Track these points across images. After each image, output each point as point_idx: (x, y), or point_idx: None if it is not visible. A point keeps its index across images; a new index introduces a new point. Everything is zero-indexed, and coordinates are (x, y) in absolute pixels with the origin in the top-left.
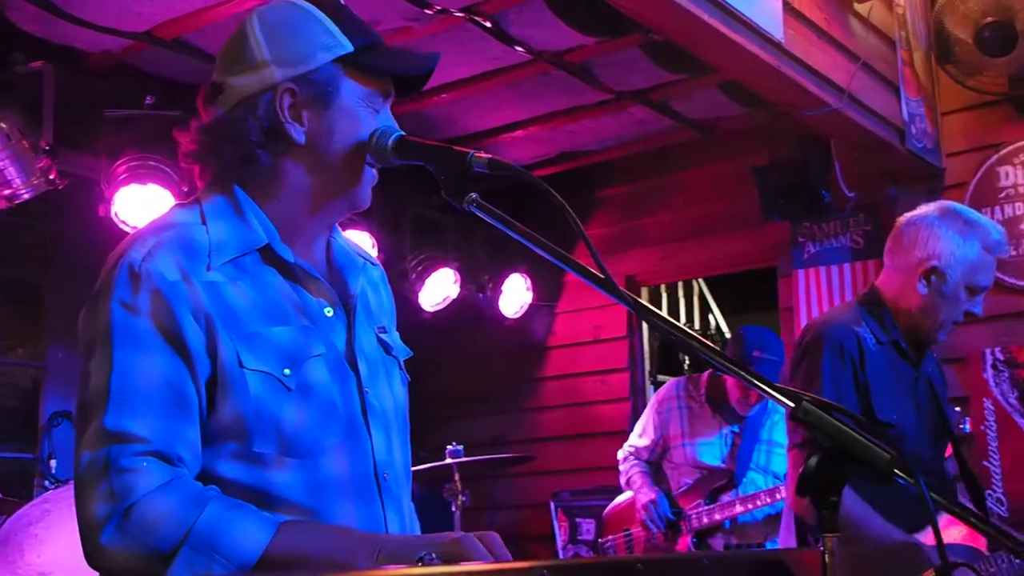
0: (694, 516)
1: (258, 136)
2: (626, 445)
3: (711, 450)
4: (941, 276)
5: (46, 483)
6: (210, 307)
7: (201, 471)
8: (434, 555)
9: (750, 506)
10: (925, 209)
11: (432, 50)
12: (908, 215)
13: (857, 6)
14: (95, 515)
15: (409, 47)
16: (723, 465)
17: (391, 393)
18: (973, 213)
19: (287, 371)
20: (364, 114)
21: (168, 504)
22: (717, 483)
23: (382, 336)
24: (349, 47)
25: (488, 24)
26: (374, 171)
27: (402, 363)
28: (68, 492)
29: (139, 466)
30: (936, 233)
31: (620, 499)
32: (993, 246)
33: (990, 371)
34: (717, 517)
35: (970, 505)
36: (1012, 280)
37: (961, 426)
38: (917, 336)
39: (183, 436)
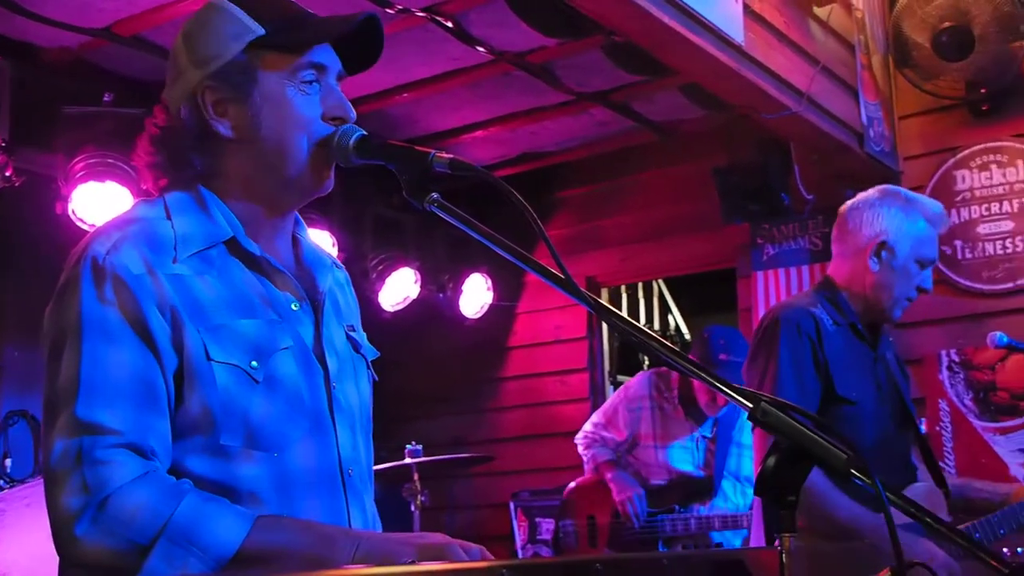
0: (668, 523)
1: (191, 139)
2: (588, 430)
3: (684, 455)
4: (891, 251)
5: (1, 483)
6: (176, 300)
7: (170, 466)
8: (416, 561)
9: (731, 525)
10: (865, 194)
11: (393, 50)
12: (850, 202)
13: (817, 10)
14: (68, 507)
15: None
16: (697, 472)
17: (357, 391)
18: (911, 192)
19: (254, 363)
20: (293, 94)
21: (144, 496)
22: (692, 489)
23: (351, 334)
24: (259, 30)
25: (449, 24)
26: (325, 152)
27: (369, 363)
28: (23, 492)
29: (113, 458)
30: (880, 212)
31: (581, 480)
32: (934, 219)
33: (945, 372)
34: (693, 528)
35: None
36: (967, 282)
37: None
38: (872, 318)
39: (155, 429)
